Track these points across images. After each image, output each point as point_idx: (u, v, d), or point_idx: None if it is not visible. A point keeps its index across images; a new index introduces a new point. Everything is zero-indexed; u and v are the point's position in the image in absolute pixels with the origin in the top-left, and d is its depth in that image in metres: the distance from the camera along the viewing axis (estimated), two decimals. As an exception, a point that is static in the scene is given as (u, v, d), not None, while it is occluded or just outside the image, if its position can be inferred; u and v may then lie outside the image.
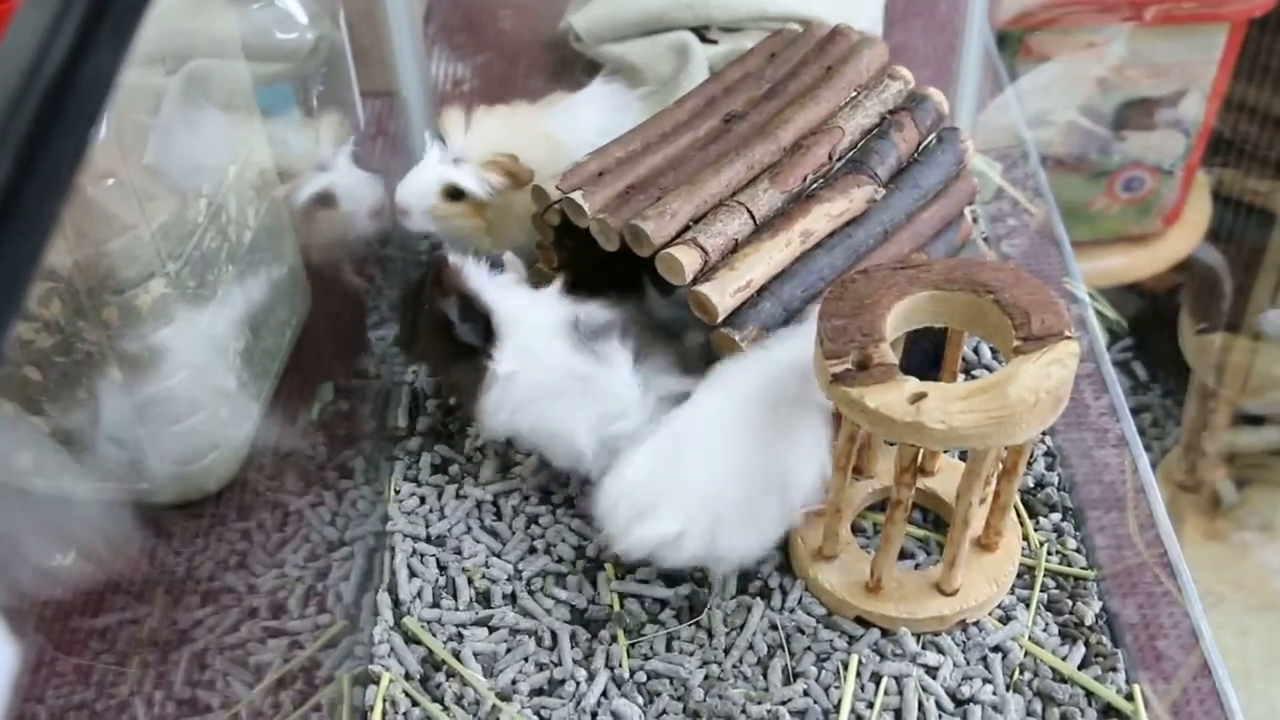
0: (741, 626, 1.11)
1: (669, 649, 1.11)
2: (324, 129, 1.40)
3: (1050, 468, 1.25)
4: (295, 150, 1.38)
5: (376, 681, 1.09)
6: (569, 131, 1.38)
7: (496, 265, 1.22)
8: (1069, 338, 0.99)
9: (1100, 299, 1.45)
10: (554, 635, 1.12)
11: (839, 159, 1.24)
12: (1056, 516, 1.20)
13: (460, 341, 1.18)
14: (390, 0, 1.54)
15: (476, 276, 1.20)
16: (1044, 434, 1.26)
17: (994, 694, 1.07)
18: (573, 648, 1.11)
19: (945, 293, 1.03)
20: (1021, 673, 1.08)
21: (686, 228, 1.16)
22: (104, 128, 1.04)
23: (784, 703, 1.06)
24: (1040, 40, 1.79)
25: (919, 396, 0.95)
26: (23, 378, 1.14)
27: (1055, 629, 1.12)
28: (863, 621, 1.11)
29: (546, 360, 1.16)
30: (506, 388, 1.17)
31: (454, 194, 1.32)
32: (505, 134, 1.34)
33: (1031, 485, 1.23)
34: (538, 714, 1.07)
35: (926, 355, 1.15)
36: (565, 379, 1.15)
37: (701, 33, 1.66)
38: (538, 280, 1.30)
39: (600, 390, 1.14)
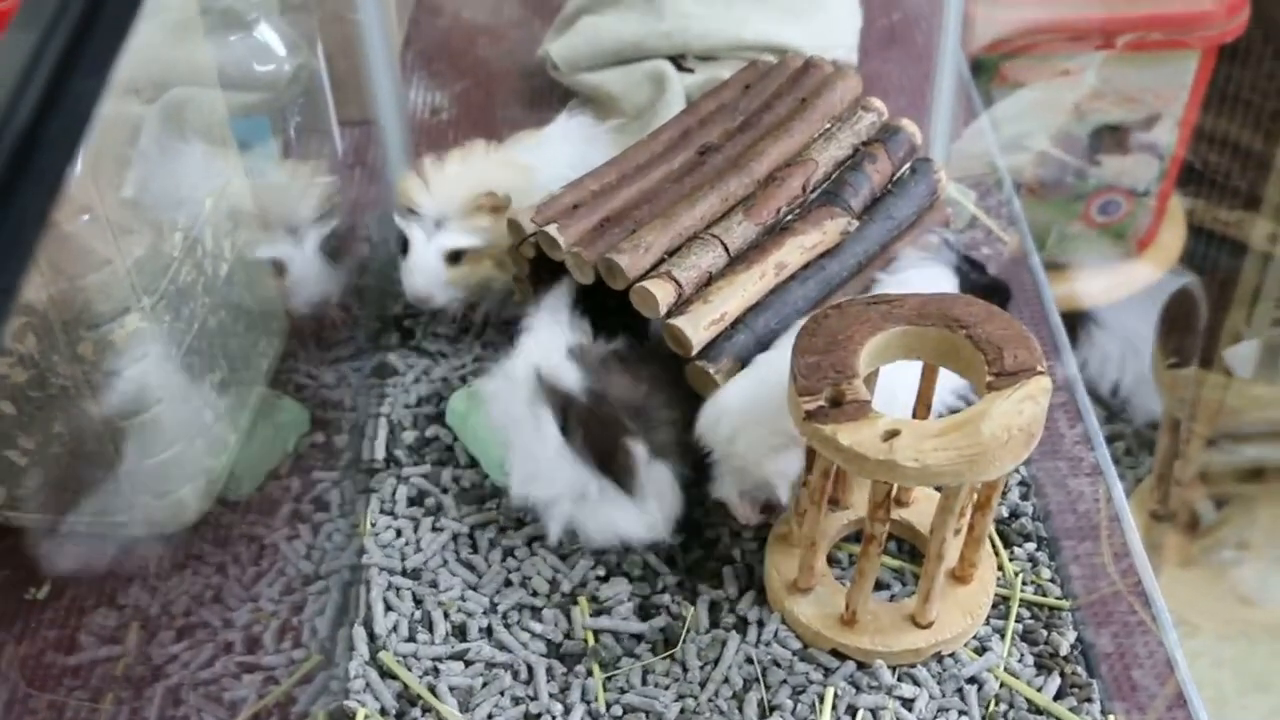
0: (717, 660, 1.11)
1: (644, 682, 1.10)
2: (310, 188, 1.38)
3: (1025, 497, 1.25)
4: (273, 182, 1.37)
5: (352, 717, 1.08)
6: (539, 167, 1.38)
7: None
8: (1041, 373, 0.99)
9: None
10: (530, 669, 1.12)
11: (812, 191, 1.24)
12: (1031, 546, 1.20)
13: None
14: (368, 29, 1.53)
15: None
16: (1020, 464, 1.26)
17: (969, 727, 1.06)
18: (549, 681, 1.11)
19: (918, 328, 1.03)
20: (997, 704, 1.08)
21: (661, 260, 1.16)
22: (80, 161, 1.03)
23: (759, 737, 1.06)
24: (1015, 67, 1.79)
25: (892, 434, 0.94)
26: (-3, 412, 1.14)
27: (1030, 660, 1.12)
28: (838, 654, 1.10)
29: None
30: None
31: (455, 257, 1.33)
32: (472, 173, 1.34)
33: (1006, 515, 1.23)
34: (513, 749, 1.06)
35: None
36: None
37: (678, 61, 1.66)
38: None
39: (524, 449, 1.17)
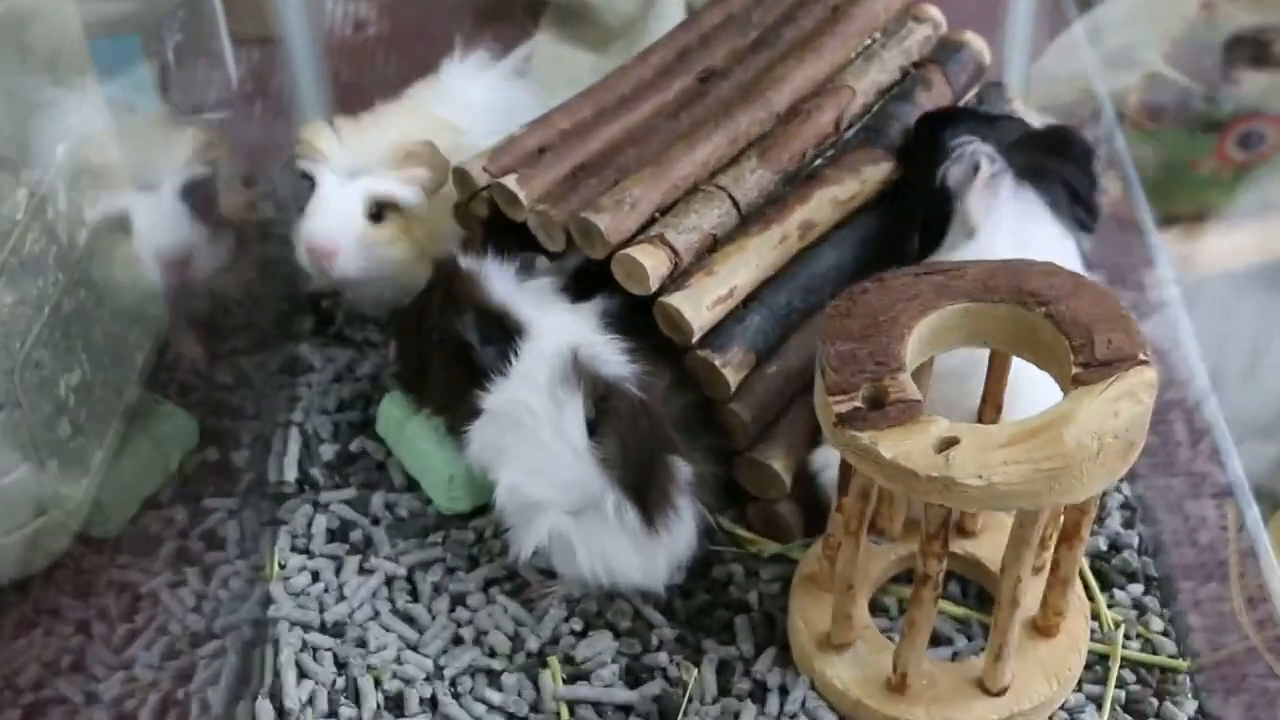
0: (728, 738, 1.13)
1: (634, 769, 1.13)
2: (178, 131, 1.38)
3: (1129, 524, 1.27)
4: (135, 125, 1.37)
5: (254, 819, 1.10)
6: (458, 119, 1.39)
7: (526, 267, 1.24)
8: (1144, 362, 1.00)
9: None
10: (486, 753, 1.14)
11: (848, 127, 1.25)
12: (1137, 589, 1.22)
13: (481, 369, 1.20)
14: (270, -84, 1.55)
15: (501, 284, 1.21)
16: (1120, 481, 1.27)
17: (1055, 822, 1.09)
18: (511, 771, 1.13)
19: (983, 305, 1.05)
20: (1092, 794, 1.10)
21: (651, 220, 1.18)
22: None
23: (783, 838, 1.08)
24: (1122, -45, 1.80)
25: (948, 443, 0.96)
26: None
27: (1136, 736, 1.14)
28: (885, 730, 1.12)
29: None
30: (488, 424, 1.20)
31: (377, 214, 1.33)
32: (391, 131, 1.35)
33: (1104, 548, 1.25)
34: None
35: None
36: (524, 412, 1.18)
37: (676, -43, 1.68)
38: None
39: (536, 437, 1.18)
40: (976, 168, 1.20)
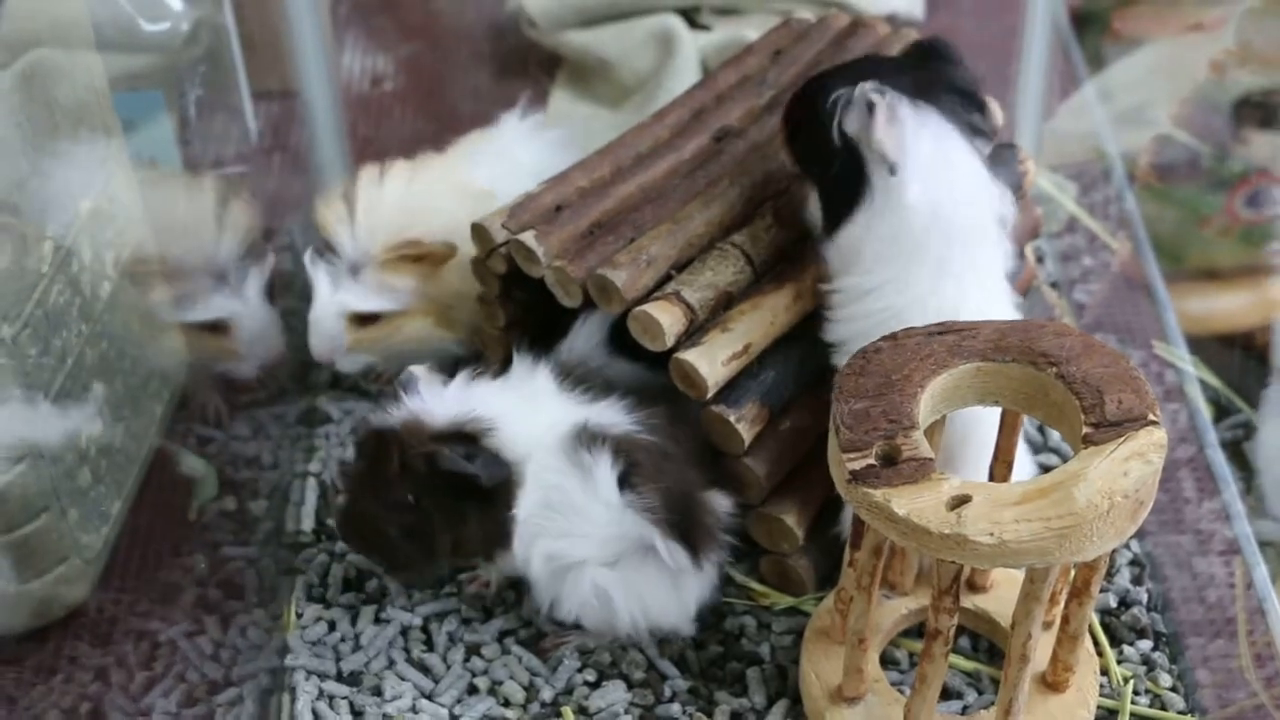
0: (740, 791, 1.14)
1: (648, 820, 1.14)
2: (224, 210, 1.39)
3: (1138, 581, 1.28)
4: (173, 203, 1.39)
5: None
6: (501, 180, 1.40)
7: (409, 386, 1.20)
8: (1153, 423, 1.01)
9: (1202, 366, 1.47)
10: (500, 803, 1.15)
11: (863, 187, 1.27)
12: (1146, 645, 1.23)
13: (487, 489, 1.18)
14: (290, -25, 1.55)
15: (442, 405, 1.18)
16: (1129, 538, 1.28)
17: None
18: (524, 820, 1.14)
19: (995, 365, 1.06)
20: None
21: (667, 278, 1.20)
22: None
23: None
24: (1132, 18, 1.81)
25: (961, 501, 0.97)
26: None
27: (1145, 793, 1.15)
28: (896, 784, 1.13)
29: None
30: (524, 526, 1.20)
31: (364, 319, 1.36)
32: (408, 203, 1.37)
33: (1113, 604, 1.26)
34: None
35: None
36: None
37: (691, 17, 1.68)
38: (484, 345, 1.34)
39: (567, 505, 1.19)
40: (870, 106, 1.16)
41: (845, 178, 1.18)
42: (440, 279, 1.35)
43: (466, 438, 1.16)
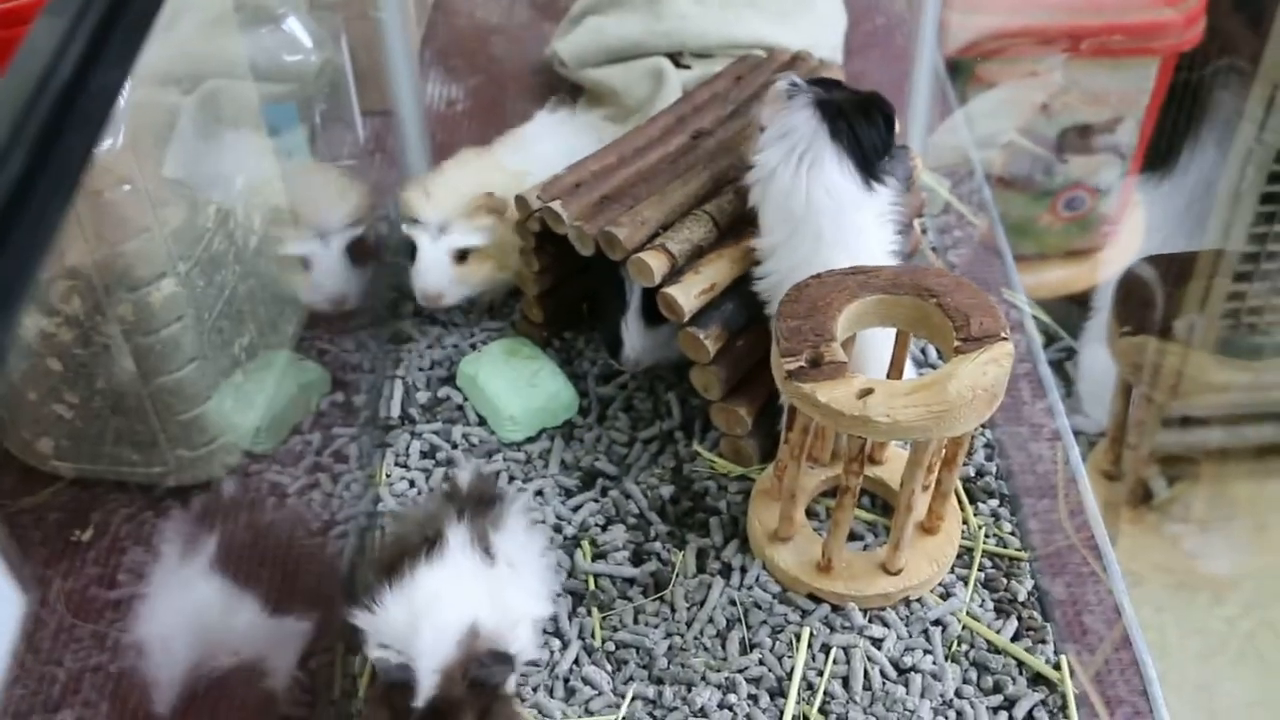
0: (702, 602, 1.12)
1: (636, 621, 1.12)
2: (346, 193, 1.39)
3: (989, 458, 1.26)
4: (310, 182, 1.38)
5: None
6: (530, 170, 1.37)
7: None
8: (1004, 339, 1.00)
9: (1036, 306, 1.46)
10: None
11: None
12: (994, 503, 1.21)
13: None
14: (389, 26, 1.54)
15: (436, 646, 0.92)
16: (984, 427, 1.27)
17: (934, 663, 1.07)
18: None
19: (892, 297, 1.04)
20: (959, 644, 1.09)
21: (656, 234, 1.17)
22: (120, 137, 1.04)
23: (741, 671, 1.07)
24: (988, 68, 1.80)
25: (866, 393, 0.95)
26: (45, 368, 1.15)
27: (991, 605, 1.13)
28: (814, 598, 1.11)
29: None
30: None
31: (462, 256, 1.33)
32: (468, 178, 1.35)
33: (972, 474, 1.24)
34: (515, 680, 1.07)
35: None
36: None
37: (676, 59, 1.67)
38: (521, 283, 1.32)
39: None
40: (776, 93, 1.12)
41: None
42: (499, 230, 1.32)
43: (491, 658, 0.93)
